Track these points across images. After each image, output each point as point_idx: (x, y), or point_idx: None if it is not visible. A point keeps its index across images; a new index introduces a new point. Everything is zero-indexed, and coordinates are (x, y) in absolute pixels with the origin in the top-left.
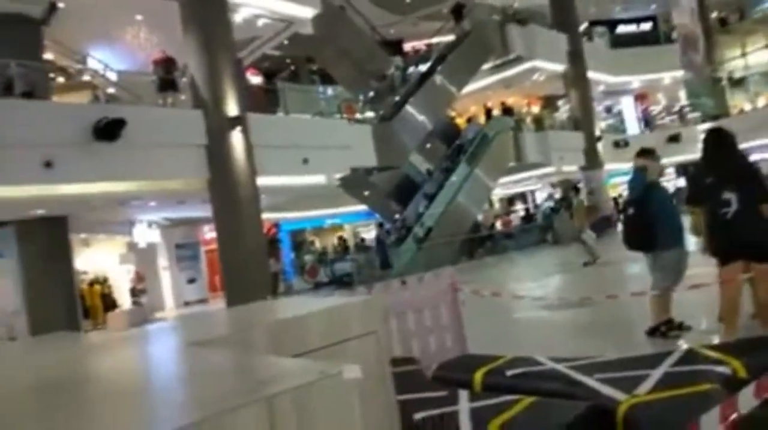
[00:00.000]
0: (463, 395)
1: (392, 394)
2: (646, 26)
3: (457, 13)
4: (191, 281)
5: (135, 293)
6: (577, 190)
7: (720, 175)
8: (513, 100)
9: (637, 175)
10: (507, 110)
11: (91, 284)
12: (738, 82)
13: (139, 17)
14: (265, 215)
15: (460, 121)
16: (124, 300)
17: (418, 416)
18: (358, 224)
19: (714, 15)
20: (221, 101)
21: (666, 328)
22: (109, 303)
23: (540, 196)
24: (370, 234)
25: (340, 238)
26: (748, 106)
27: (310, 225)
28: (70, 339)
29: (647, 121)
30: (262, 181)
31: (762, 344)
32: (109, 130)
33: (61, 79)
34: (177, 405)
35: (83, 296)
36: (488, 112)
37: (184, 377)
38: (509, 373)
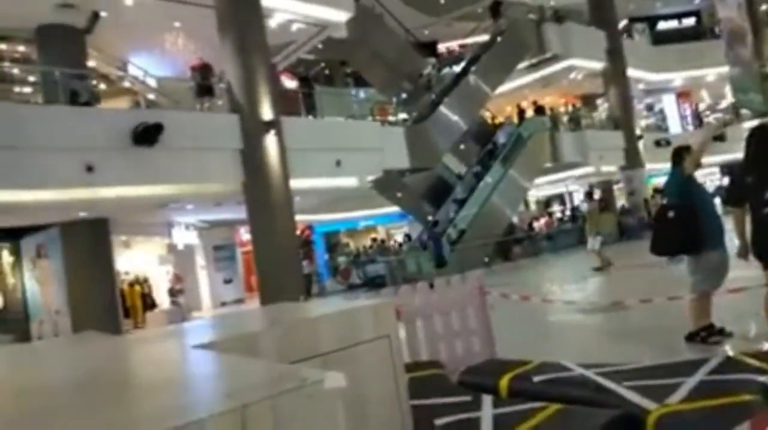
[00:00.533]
0: (487, 400)
1: (405, 399)
2: (689, 21)
3: (495, 10)
4: (228, 281)
5: (173, 293)
6: (590, 196)
7: (762, 173)
8: (550, 99)
9: (673, 174)
10: (539, 109)
11: (132, 284)
12: None
13: (177, 24)
14: (299, 217)
15: (495, 122)
16: (162, 300)
17: (440, 421)
18: (391, 225)
19: (763, 8)
20: (256, 106)
21: (706, 334)
22: (149, 303)
23: (578, 198)
24: (400, 236)
25: (374, 239)
26: None
27: (344, 227)
28: (82, 340)
29: (699, 118)
30: (295, 183)
31: None
32: (147, 135)
33: (102, 86)
34: (143, 415)
35: (124, 296)
36: (521, 113)
37: (164, 383)
38: (536, 379)
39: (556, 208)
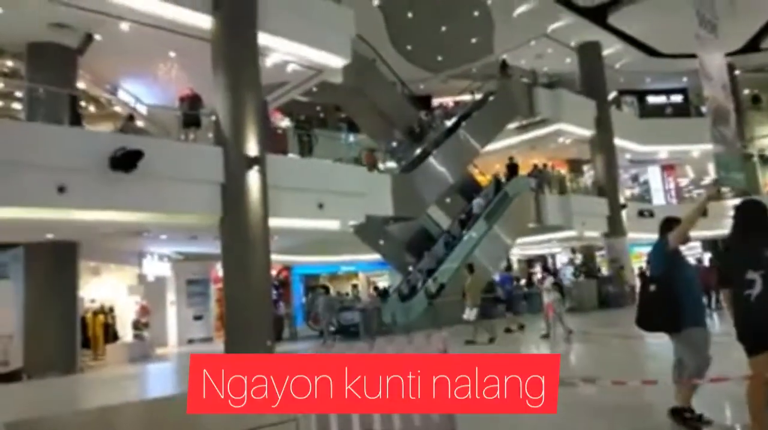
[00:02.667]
0: None
1: None
2: (677, 98)
3: (503, 69)
4: (198, 317)
5: (138, 326)
6: (470, 268)
7: (745, 252)
8: (537, 161)
9: (658, 246)
10: (512, 168)
11: (96, 313)
12: None
13: (172, 54)
14: (278, 257)
15: (482, 179)
16: (126, 332)
17: None
18: (372, 273)
19: (746, 92)
20: (242, 141)
21: (690, 415)
22: (111, 334)
23: (560, 260)
24: (384, 283)
25: (354, 286)
26: None
27: (325, 271)
28: None
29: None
30: (275, 222)
31: None
32: (125, 161)
33: (92, 108)
34: None
35: (86, 325)
36: (497, 182)
37: None
38: None
39: (537, 269)
